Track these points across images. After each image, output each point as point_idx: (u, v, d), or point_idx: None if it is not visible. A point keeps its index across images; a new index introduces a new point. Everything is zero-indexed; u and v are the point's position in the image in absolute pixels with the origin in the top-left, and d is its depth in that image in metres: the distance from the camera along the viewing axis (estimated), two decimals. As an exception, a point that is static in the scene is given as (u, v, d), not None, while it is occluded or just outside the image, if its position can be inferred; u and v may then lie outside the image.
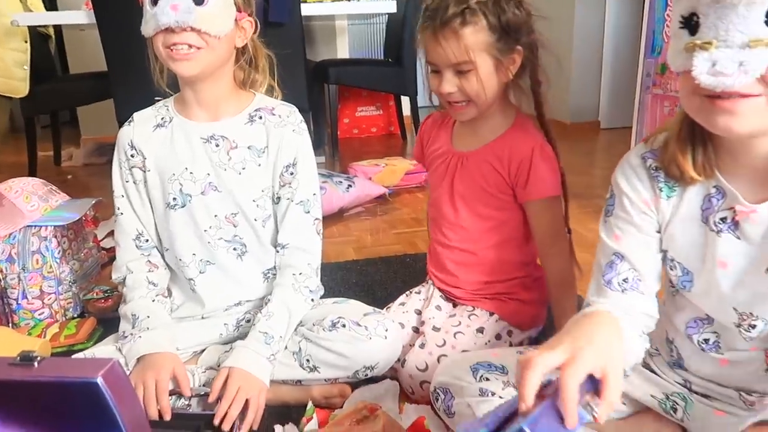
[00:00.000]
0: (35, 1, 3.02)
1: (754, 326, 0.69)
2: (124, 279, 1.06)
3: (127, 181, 1.06)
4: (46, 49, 3.10)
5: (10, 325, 1.30)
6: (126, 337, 0.99)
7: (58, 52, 3.68)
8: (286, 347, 1.01)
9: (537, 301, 1.09)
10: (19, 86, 2.84)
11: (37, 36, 2.94)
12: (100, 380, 0.59)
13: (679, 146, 0.69)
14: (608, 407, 0.58)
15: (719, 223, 0.70)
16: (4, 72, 2.80)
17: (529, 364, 0.58)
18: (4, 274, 1.29)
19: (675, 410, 0.80)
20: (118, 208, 1.07)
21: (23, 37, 2.81)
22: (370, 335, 0.97)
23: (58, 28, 3.35)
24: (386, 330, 0.99)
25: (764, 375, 0.72)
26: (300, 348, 1.00)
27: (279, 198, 1.05)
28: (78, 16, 2.48)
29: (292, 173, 1.04)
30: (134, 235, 1.06)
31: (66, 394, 0.61)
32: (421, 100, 3.40)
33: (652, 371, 0.85)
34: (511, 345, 1.06)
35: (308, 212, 1.06)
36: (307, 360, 0.99)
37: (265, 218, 1.06)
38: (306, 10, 2.53)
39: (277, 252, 1.06)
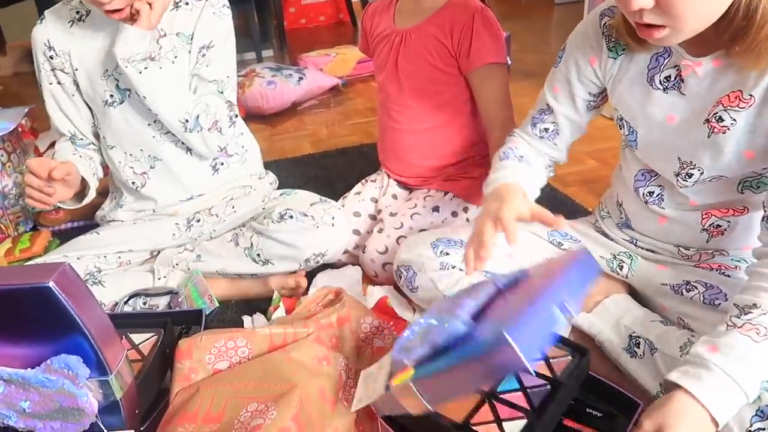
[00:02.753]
0: None
1: (690, 175, 0.72)
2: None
3: (50, 83, 1.01)
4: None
5: (-40, 243, 1.26)
6: None
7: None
8: (237, 244, 1.02)
9: (490, 176, 1.10)
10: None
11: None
12: (51, 284, 0.58)
13: (623, 17, 0.69)
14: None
15: (664, 81, 0.71)
16: None
17: (503, 222, 0.69)
18: (-57, 192, 1.24)
19: (621, 268, 0.85)
20: (48, 112, 1.03)
21: None
22: (317, 224, 0.99)
23: None
24: (333, 218, 1.01)
25: (699, 234, 0.77)
26: (252, 243, 1.01)
27: (192, 77, 1.01)
28: None
29: (204, 54, 1.00)
30: (68, 137, 1.05)
31: (20, 301, 0.61)
32: (370, -18, 3.23)
33: (604, 234, 0.89)
34: (468, 221, 1.08)
35: (221, 92, 1.02)
36: (258, 255, 1.00)
37: None
38: None
39: None
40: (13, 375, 0.62)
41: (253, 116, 1.94)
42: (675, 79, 0.70)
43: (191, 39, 0.99)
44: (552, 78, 0.84)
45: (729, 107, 0.66)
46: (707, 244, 0.77)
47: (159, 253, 1.08)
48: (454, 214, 1.08)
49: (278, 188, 1.18)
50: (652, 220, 0.80)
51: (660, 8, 0.58)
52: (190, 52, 0.99)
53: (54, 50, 0.98)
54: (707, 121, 0.68)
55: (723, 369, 0.54)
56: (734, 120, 0.66)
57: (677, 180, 0.74)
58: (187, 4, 0.99)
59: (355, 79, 2.37)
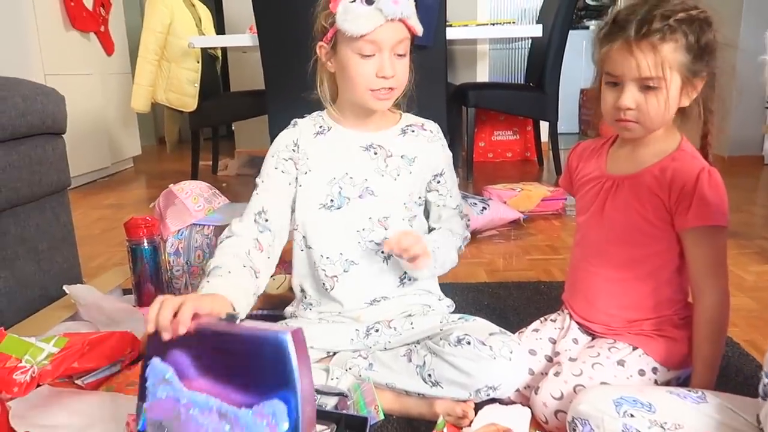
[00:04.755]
0: (208, 26, 3.39)
1: None
2: (228, 238, 1.05)
3: (275, 168, 1.12)
4: (213, 69, 3.46)
5: (172, 312, 1.44)
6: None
7: (222, 72, 4.08)
8: (410, 360, 1.03)
9: (689, 339, 1.01)
10: (190, 102, 3.19)
11: (207, 57, 3.29)
12: (288, 337, 0.68)
13: None
14: None
15: None
16: (179, 89, 3.16)
17: None
18: (171, 265, 1.45)
19: None
20: (256, 191, 1.12)
21: (196, 57, 3.16)
22: (495, 355, 0.97)
23: (223, 50, 3.71)
24: (511, 352, 0.98)
25: None
26: (425, 362, 1.01)
27: (430, 202, 1.18)
28: (244, 39, 2.73)
29: (439, 182, 1.17)
30: (257, 210, 1.09)
31: (256, 347, 0.71)
32: (561, 126, 3.32)
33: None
34: (656, 383, 0.99)
35: (461, 212, 1.20)
36: (429, 375, 1.00)
37: (411, 218, 1.14)
38: (451, 34, 2.58)
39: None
40: (229, 412, 0.70)
41: (434, 238, 2.02)
42: None
43: (413, 161, 1.14)
44: None
45: None
46: None
47: (335, 354, 1.13)
48: (642, 372, 0.99)
49: (452, 312, 1.20)
50: None
51: None
52: (410, 173, 1.13)
53: (298, 147, 1.13)
54: None
55: None
56: None
57: None
58: (413, 131, 1.15)
59: (537, 215, 2.38)
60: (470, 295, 1.57)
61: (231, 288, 0.91)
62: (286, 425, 0.67)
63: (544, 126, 3.53)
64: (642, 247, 1.02)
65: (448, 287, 1.42)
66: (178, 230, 1.45)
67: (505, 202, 2.33)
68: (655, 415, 0.82)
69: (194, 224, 1.46)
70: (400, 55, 1.04)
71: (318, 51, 1.09)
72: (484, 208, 2.15)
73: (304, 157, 1.13)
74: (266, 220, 1.10)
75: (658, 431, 0.81)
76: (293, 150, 1.14)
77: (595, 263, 1.08)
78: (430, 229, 1.19)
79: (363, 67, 1.02)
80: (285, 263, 1.66)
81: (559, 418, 0.94)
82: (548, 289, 1.59)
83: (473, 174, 3.15)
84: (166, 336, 0.77)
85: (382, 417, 0.99)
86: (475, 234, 2.14)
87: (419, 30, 1.04)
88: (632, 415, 0.82)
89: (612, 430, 0.82)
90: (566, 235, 2.15)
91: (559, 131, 3.27)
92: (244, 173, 3.53)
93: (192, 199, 1.48)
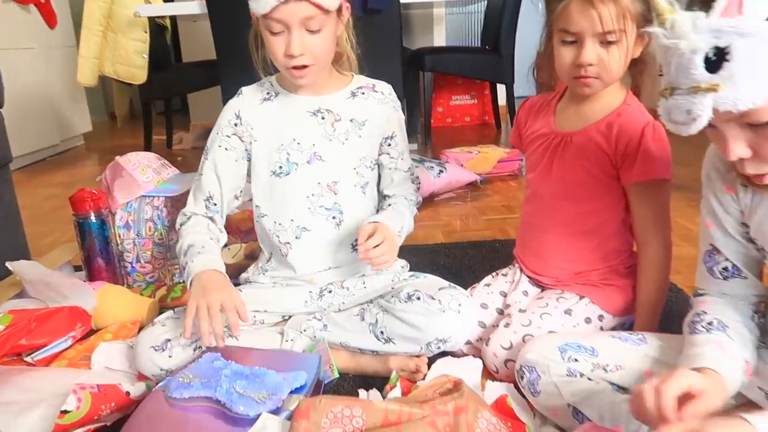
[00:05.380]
0: (155, -6, 3.26)
1: None
2: (188, 219, 1.11)
3: (219, 146, 1.11)
4: (162, 39, 3.35)
5: (125, 285, 1.42)
6: (184, 268, 1.02)
7: (173, 43, 3.95)
8: (363, 318, 1.05)
9: (633, 287, 1.04)
10: (138, 74, 3.09)
11: (156, 27, 3.17)
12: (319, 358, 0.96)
13: None
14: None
15: None
16: (126, 60, 3.05)
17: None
18: (121, 239, 1.41)
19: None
20: (201, 171, 1.12)
21: (143, 27, 3.05)
22: (444, 309, 0.99)
23: (173, 20, 3.59)
24: (460, 304, 1.00)
25: None
26: (377, 319, 1.03)
27: (382, 164, 1.16)
28: (192, 6, 2.65)
29: (390, 144, 1.15)
30: (206, 196, 1.12)
31: (294, 356, 0.99)
32: (518, 89, 3.33)
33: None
34: (602, 330, 1.02)
35: (413, 175, 1.20)
36: (382, 332, 1.02)
37: (363, 185, 1.13)
38: (404, -3, 2.55)
39: (384, 200, 1.18)
40: (258, 372, 0.87)
41: (392, 202, 2.02)
42: None
43: (363, 125, 1.12)
44: (702, 215, 0.82)
45: None
46: None
47: (290, 317, 1.13)
48: (588, 320, 1.02)
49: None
50: None
51: (759, 157, 0.59)
52: (360, 136, 1.12)
53: (240, 119, 1.11)
54: None
55: None
56: None
57: None
58: (363, 94, 1.13)
59: (494, 177, 2.40)
60: (426, 256, 1.58)
61: (212, 261, 1.02)
62: (298, 384, 0.85)
63: (501, 90, 3.54)
64: (589, 201, 1.04)
65: (404, 249, 1.42)
66: (127, 203, 1.41)
67: (462, 165, 2.34)
68: (598, 358, 0.85)
69: (143, 196, 1.42)
70: (313, 31, 0.99)
71: (253, 18, 1.06)
72: (441, 171, 2.16)
73: (248, 128, 1.11)
74: (215, 204, 1.13)
75: (601, 373, 0.85)
76: (235, 125, 1.11)
77: (545, 218, 1.10)
78: (383, 196, 1.19)
79: (274, 45, 1.00)
80: (240, 233, 1.65)
81: (509, 367, 0.97)
82: (503, 247, 1.61)
83: (432, 139, 3.15)
84: (221, 343, 0.94)
85: (336, 375, 1.00)
86: (432, 197, 2.15)
87: (329, 4, 0.97)
88: (576, 360, 0.85)
89: (557, 375, 0.84)
90: (522, 195, 2.15)
91: (516, 94, 3.28)
92: (200, 146, 3.43)
93: (140, 171, 1.44)
